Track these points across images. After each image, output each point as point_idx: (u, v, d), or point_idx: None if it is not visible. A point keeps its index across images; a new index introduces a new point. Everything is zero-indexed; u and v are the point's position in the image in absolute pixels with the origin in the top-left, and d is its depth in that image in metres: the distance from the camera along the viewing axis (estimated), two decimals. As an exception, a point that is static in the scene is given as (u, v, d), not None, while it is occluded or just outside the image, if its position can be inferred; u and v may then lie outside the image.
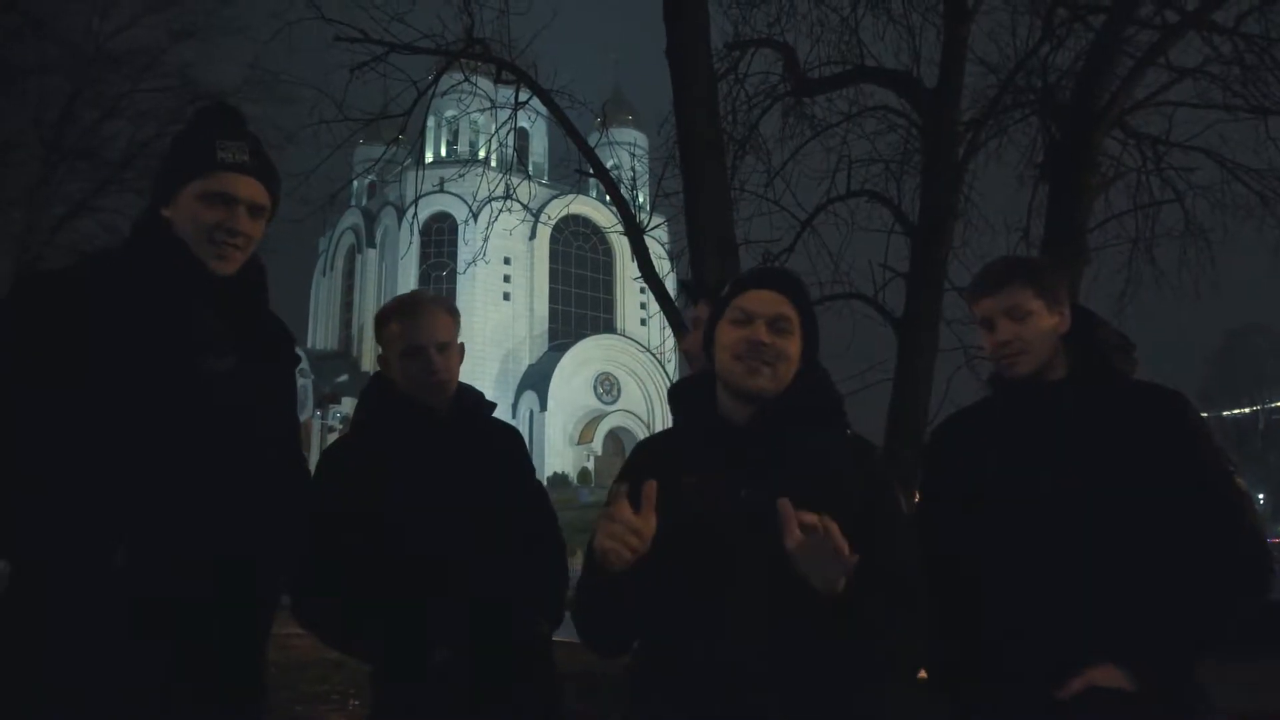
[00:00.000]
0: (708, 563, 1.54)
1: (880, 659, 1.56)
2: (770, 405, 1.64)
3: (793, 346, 1.66)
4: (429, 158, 67.13)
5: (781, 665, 1.49)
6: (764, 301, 1.66)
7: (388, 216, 72.19)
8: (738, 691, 1.48)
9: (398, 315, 2.13)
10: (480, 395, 2.25)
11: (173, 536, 1.56)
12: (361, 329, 72.41)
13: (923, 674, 1.86)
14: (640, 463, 1.74)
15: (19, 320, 1.59)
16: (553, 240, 74.20)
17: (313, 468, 2.02)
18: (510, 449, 2.24)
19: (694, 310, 2.61)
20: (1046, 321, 1.88)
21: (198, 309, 1.68)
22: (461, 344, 2.19)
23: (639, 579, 1.50)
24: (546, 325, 74.60)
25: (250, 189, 1.72)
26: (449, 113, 57.37)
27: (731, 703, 1.48)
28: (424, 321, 2.10)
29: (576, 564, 1.77)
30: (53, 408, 1.53)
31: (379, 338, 2.17)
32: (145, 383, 1.57)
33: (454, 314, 2.18)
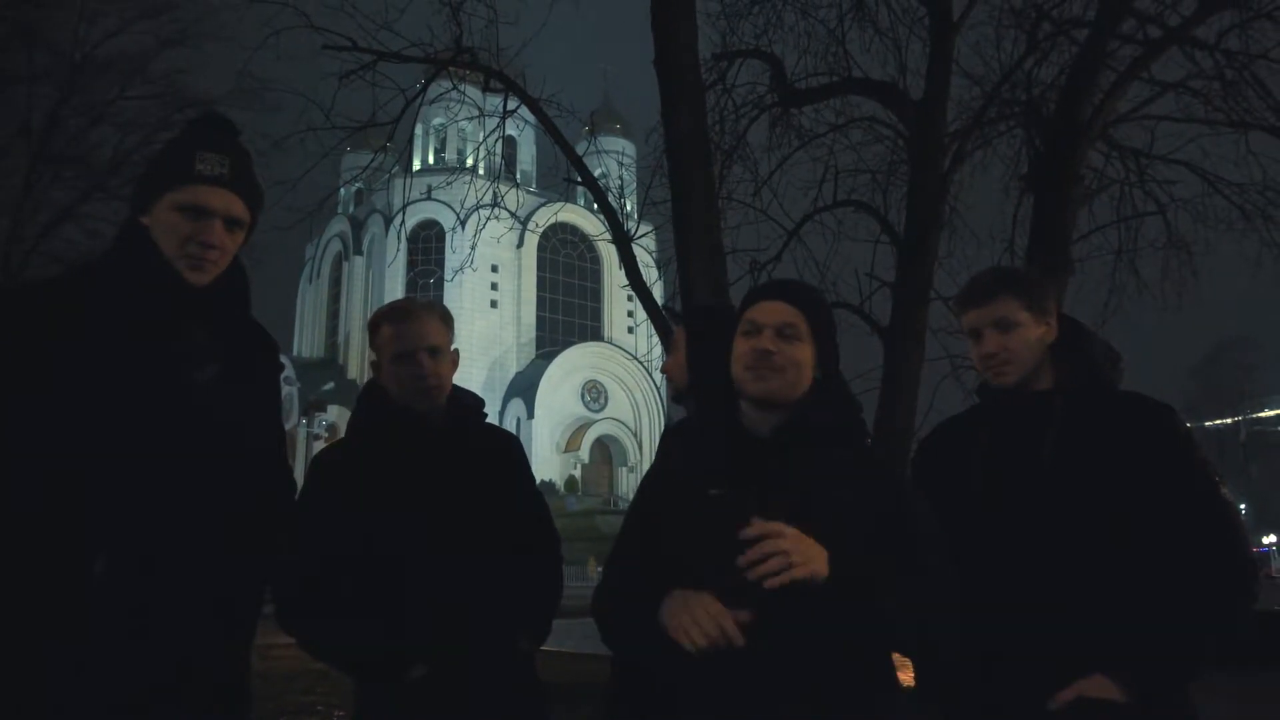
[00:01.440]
0: (730, 575, 1.53)
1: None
2: (791, 418, 1.65)
3: (801, 353, 1.67)
4: (417, 165, 67.07)
5: (801, 674, 1.48)
6: (771, 311, 1.69)
7: (375, 224, 71.91)
8: (757, 700, 1.47)
9: (389, 319, 2.12)
10: (475, 399, 2.22)
11: (154, 545, 1.55)
12: (348, 337, 72.08)
13: (911, 683, 1.86)
14: (664, 473, 1.78)
15: (2, 331, 1.58)
16: (540, 248, 74.05)
17: (298, 476, 2.01)
18: (506, 458, 2.21)
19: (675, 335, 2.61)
20: (1033, 332, 1.89)
21: (179, 318, 1.67)
22: (456, 350, 2.17)
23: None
24: (534, 333, 74.39)
25: (226, 202, 1.70)
26: (437, 121, 57.36)
27: (751, 710, 1.47)
28: (415, 325, 2.09)
29: (590, 571, 1.78)
30: (35, 417, 1.52)
31: (372, 344, 2.15)
32: (127, 392, 1.56)
33: (447, 320, 2.16)
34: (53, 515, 1.50)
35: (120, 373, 1.57)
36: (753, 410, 1.69)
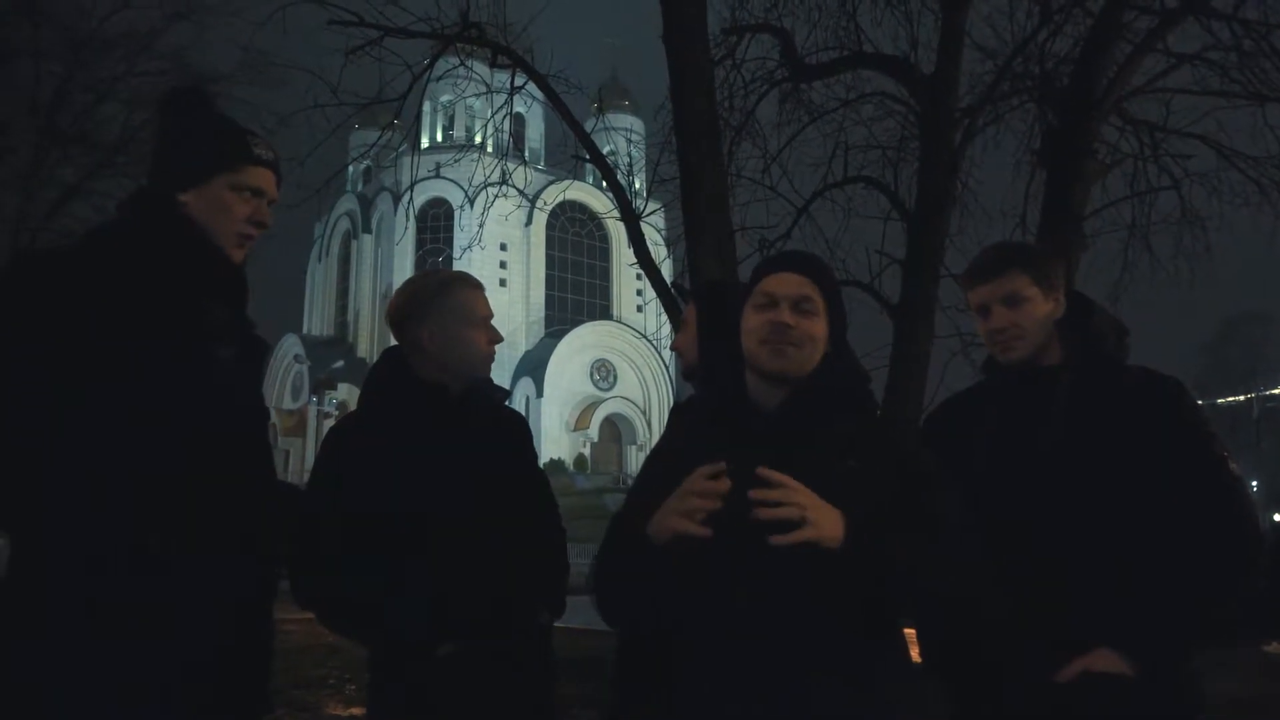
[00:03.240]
0: (734, 551, 1.52)
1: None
2: (800, 391, 1.63)
3: (818, 328, 1.64)
4: (425, 143, 66.68)
5: (805, 653, 1.47)
6: (787, 283, 1.65)
7: (383, 202, 71.85)
8: (758, 676, 1.47)
9: (468, 283, 2.16)
10: (490, 380, 2.22)
11: (193, 523, 1.57)
12: (357, 315, 72.22)
13: (917, 658, 1.87)
14: (671, 449, 1.77)
15: (30, 300, 1.56)
16: (549, 226, 73.86)
17: (309, 454, 2.02)
18: (516, 437, 2.22)
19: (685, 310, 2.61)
20: (1041, 307, 1.88)
21: (209, 297, 1.71)
22: None
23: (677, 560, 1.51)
24: (543, 312, 74.39)
25: (273, 185, 1.80)
26: (445, 97, 57.05)
27: (757, 684, 1.46)
28: (485, 298, 2.16)
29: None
30: (75, 394, 1.51)
31: (423, 309, 2.08)
32: (161, 367, 1.58)
33: None
34: (96, 491, 1.51)
35: (153, 348, 1.58)
36: (761, 384, 1.66)
